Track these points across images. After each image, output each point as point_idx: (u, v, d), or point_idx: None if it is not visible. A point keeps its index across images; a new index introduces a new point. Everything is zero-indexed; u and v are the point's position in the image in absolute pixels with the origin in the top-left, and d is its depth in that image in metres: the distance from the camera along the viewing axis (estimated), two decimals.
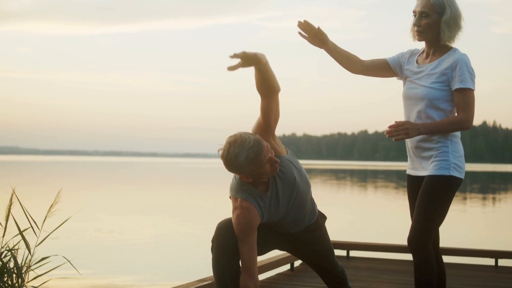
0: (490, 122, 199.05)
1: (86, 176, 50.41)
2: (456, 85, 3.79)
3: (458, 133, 3.91)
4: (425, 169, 3.88)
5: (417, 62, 4.01)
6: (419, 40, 3.96)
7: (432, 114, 3.85)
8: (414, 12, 3.92)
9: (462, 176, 3.85)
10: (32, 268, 4.58)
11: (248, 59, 3.45)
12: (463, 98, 3.79)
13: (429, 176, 3.83)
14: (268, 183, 3.75)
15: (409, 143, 3.99)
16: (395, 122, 3.76)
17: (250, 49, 3.50)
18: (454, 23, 3.85)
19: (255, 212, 3.72)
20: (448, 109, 3.85)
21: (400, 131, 3.72)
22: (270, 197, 3.75)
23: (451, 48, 3.91)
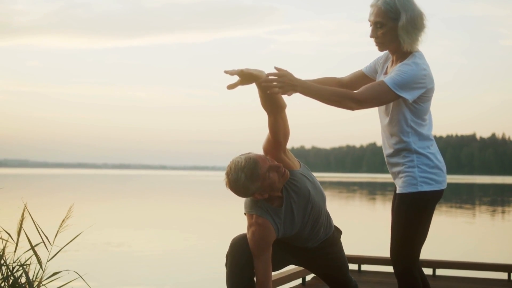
0: (499, 135, 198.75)
1: (96, 189, 50.49)
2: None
3: (428, 144, 3.67)
4: (397, 186, 3.72)
5: (386, 70, 3.81)
6: (381, 50, 3.75)
7: (392, 129, 3.69)
8: (369, 21, 3.67)
9: (437, 188, 3.62)
10: (43, 283, 4.56)
11: (246, 77, 3.43)
12: (374, 83, 3.58)
13: (398, 195, 3.69)
14: (282, 198, 3.75)
15: (385, 158, 3.82)
16: (276, 69, 3.47)
17: (251, 66, 3.49)
18: (412, 26, 3.56)
19: (271, 228, 3.71)
20: (407, 117, 3.62)
21: (277, 82, 3.43)
22: (285, 212, 3.74)
23: (411, 53, 3.64)
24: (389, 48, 3.68)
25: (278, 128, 3.65)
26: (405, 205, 3.63)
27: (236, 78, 3.47)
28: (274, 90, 3.43)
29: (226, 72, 3.44)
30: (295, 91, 3.45)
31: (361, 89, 3.55)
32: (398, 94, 3.51)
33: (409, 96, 3.53)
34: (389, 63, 3.80)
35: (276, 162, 3.67)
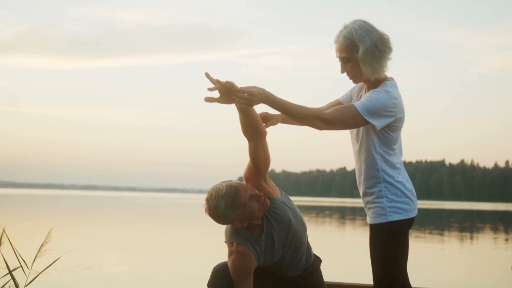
0: (468, 161, 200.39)
1: (69, 211, 49.95)
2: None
3: (396, 173, 3.68)
4: (368, 217, 3.76)
5: (360, 98, 3.81)
6: (356, 83, 3.79)
7: (362, 155, 3.73)
8: (337, 57, 3.70)
9: (406, 216, 3.64)
10: None
11: (225, 91, 3.39)
12: (344, 106, 3.59)
13: (370, 226, 3.73)
14: (263, 226, 3.76)
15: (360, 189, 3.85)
16: (243, 87, 3.42)
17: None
18: (371, 55, 3.55)
19: (251, 256, 3.72)
20: (376, 145, 3.65)
21: (244, 98, 3.40)
22: (265, 240, 3.75)
23: (382, 82, 3.66)
24: (362, 80, 3.70)
25: (259, 155, 3.67)
26: (378, 235, 3.67)
27: (216, 94, 3.43)
28: (242, 104, 3.41)
29: (207, 75, 3.41)
30: (264, 103, 3.43)
31: (330, 109, 3.57)
32: (366, 120, 3.53)
33: (377, 123, 3.55)
34: (363, 91, 3.82)
35: (256, 191, 3.68)
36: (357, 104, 3.54)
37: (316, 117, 3.50)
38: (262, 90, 3.41)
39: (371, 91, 3.63)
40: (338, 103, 4.03)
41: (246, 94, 3.40)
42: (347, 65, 3.66)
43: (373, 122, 3.54)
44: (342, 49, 3.62)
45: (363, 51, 3.55)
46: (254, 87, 3.41)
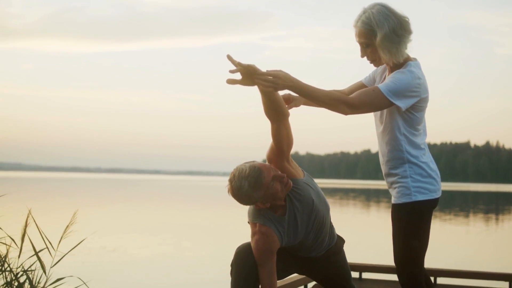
0: (493, 142, 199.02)
1: (94, 194, 50.35)
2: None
3: (421, 153, 3.67)
4: (392, 196, 3.75)
5: (384, 79, 3.79)
6: (377, 66, 3.78)
7: (386, 137, 3.71)
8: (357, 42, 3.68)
9: (431, 197, 3.64)
10: None
11: (247, 74, 3.38)
12: (368, 89, 3.57)
13: (394, 205, 3.71)
14: (285, 206, 3.75)
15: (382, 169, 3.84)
16: (268, 71, 3.40)
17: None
18: (389, 41, 3.52)
19: (274, 236, 3.72)
20: (401, 126, 3.64)
21: (269, 81, 3.37)
22: (288, 221, 3.75)
23: (405, 62, 3.62)
24: (384, 62, 3.67)
25: (281, 136, 3.65)
26: (401, 215, 3.66)
27: (238, 76, 3.42)
28: (267, 89, 3.40)
29: (229, 58, 3.41)
30: (289, 89, 3.41)
31: (355, 94, 3.54)
32: (391, 101, 3.51)
33: (402, 104, 3.53)
34: (387, 72, 3.80)
35: (279, 172, 3.68)
36: (381, 86, 3.51)
37: (342, 102, 3.46)
38: (287, 74, 3.40)
39: (395, 72, 3.60)
40: (361, 85, 4.01)
41: (271, 77, 3.39)
42: (366, 50, 3.64)
43: (398, 103, 3.51)
44: (361, 34, 3.60)
45: (381, 37, 3.53)
46: (280, 71, 3.40)
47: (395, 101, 3.51)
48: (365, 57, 3.70)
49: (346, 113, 3.50)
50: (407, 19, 3.60)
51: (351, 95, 3.53)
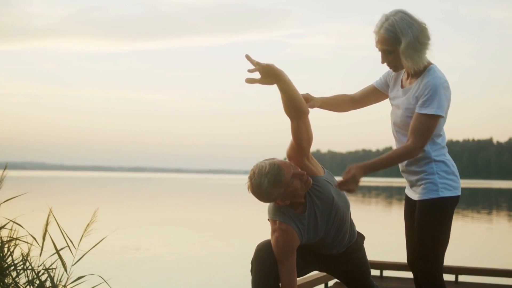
0: None
1: (116, 192, 50.61)
2: (416, 109, 3.63)
3: (444, 152, 3.73)
4: (416, 193, 3.77)
5: (401, 82, 3.81)
6: (396, 71, 3.79)
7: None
8: (376, 48, 3.70)
9: (456, 193, 3.69)
10: (68, 287, 4.58)
11: (266, 73, 3.40)
12: (414, 122, 3.60)
13: (420, 201, 3.72)
14: (305, 204, 3.74)
15: (399, 166, 3.86)
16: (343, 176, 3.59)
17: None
18: (413, 48, 3.55)
19: (294, 234, 3.71)
20: None
21: (348, 183, 3.55)
22: (308, 218, 3.74)
23: (426, 69, 3.64)
24: (404, 67, 3.70)
25: (301, 133, 3.65)
26: (428, 210, 3.67)
27: (257, 74, 3.44)
28: (351, 190, 3.56)
29: (247, 57, 3.44)
30: (366, 174, 3.61)
31: (409, 135, 3.60)
32: (440, 115, 3.57)
33: (445, 114, 3.63)
34: (404, 75, 3.80)
35: (299, 170, 3.67)
36: (424, 110, 3.56)
37: (410, 154, 3.61)
38: (359, 169, 3.65)
39: (426, 88, 3.57)
40: (373, 88, 4.03)
41: (348, 181, 3.54)
42: (388, 57, 3.66)
43: (444, 114, 3.62)
44: (384, 41, 3.61)
45: (406, 45, 3.54)
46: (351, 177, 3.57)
47: (443, 114, 3.59)
48: (385, 63, 3.72)
49: (418, 155, 3.63)
50: (426, 26, 3.63)
51: (407, 143, 3.60)
